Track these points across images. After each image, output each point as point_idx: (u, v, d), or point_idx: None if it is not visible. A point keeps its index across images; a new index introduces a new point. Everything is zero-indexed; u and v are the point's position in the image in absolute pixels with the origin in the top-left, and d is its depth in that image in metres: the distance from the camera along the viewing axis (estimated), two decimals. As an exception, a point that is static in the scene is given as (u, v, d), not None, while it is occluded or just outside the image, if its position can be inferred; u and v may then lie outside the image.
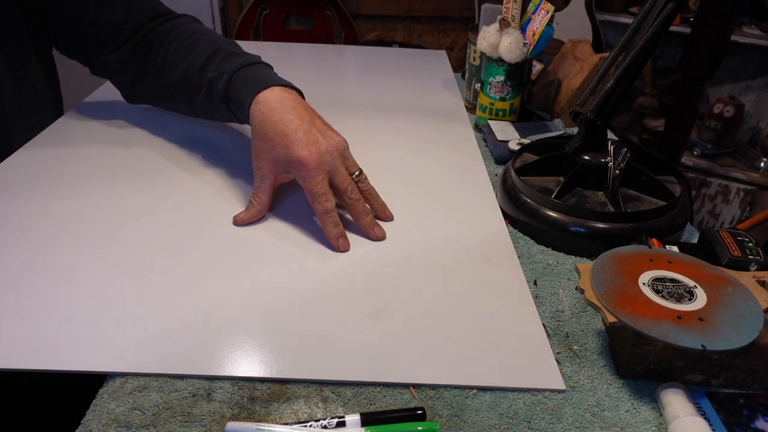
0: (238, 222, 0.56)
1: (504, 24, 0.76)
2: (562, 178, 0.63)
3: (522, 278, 0.52)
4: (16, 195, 0.60)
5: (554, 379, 0.41)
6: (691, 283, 0.42)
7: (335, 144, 0.54)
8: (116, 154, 0.70)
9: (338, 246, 0.54)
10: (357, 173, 0.56)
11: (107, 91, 0.90)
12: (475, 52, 0.87)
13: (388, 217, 0.58)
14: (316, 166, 0.52)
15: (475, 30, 0.86)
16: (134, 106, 0.81)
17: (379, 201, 0.58)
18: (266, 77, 0.59)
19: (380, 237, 0.55)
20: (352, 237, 0.56)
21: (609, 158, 0.59)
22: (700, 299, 0.40)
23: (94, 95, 0.88)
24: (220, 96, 0.61)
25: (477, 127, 0.84)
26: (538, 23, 0.78)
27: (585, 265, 0.44)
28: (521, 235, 0.59)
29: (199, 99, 0.65)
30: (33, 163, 0.67)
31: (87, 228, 0.56)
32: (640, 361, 0.41)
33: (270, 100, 0.56)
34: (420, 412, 0.38)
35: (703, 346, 0.36)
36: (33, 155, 0.69)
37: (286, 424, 0.37)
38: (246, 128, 0.78)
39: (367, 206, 0.57)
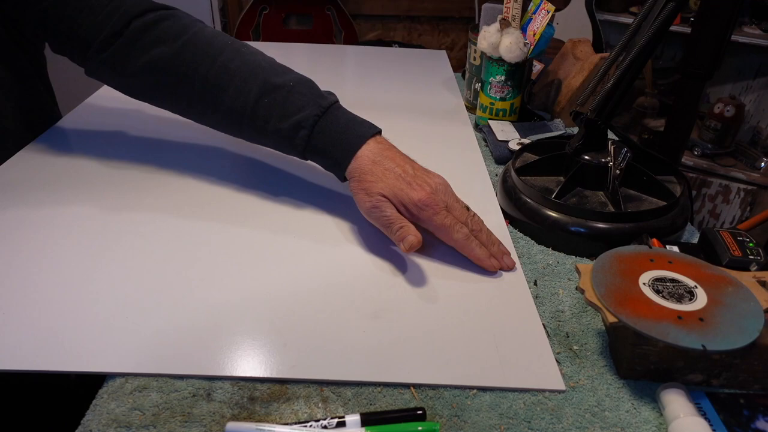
0: (409, 251, 0.52)
1: (504, 24, 0.76)
2: (562, 178, 0.63)
3: (522, 278, 0.52)
4: (17, 196, 0.60)
5: (554, 380, 0.41)
6: (691, 283, 0.42)
7: (441, 182, 0.54)
8: (117, 156, 0.70)
9: (491, 266, 0.52)
10: (467, 208, 0.55)
11: (106, 95, 0.90)
12: (475, 51, 0.87)
13: (511, 263, 0.54)
14: (436, 204, 0.52)
15: (476, 30, 0.86)
16: (133, 106, 0.81)
17: (494, 237, 0.55)
18: (351, 128, 0.56)
19: (511, 266, 0.53)
20: (352, 237, 0.56)
21: (609, 158, 0.59)
22: (701, 299, 0.40)
23: (94, 98, 0.88)
24: (300, 149, 0.57)
25: (477, 127, 0.84)
26: (538, 23, 0.78)
27: (585, 265, 0.44)
28: (521, 235, 0.59)
29: (257, 138, 0.60)
30: (33, 165, 0.67)
31: (87, 229, 0.56)
32: (641, 361, 0.41)
33: (368, 159, 0.55)
34: (420, 412, 0.38)
35: (703, 346, 0.36)
36: (33, 157, 0.69)
37: (286, 424, 0.37)
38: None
39: (491, 237, 0.54)
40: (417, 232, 0.51)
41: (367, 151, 0.55)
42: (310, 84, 0.59)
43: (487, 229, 0.55)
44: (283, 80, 0.58)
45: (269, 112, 0.57)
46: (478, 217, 0.55)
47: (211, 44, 0.60)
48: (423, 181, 0.53)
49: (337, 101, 0.59)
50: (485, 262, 0.52)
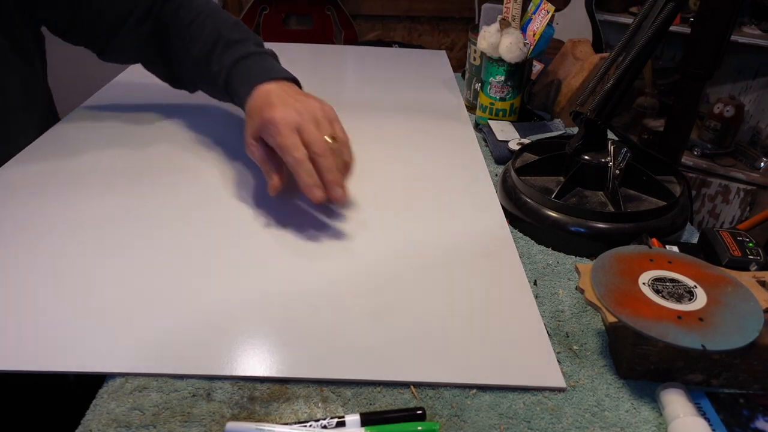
0: (274, 192, 0.56)
1: (504, 24, 0.76)
2: (562, 178, 0.63)
3: (523, 276, 0.52)
4: (17, 196, 0.61)
5: (555, 378, 0.41)
6: (691, 283, 0.42)
7: (309, 107, 0.55)
8: (117, 156, 0.70)
9: (314, 196, 0.51)
10: (331, 139, 0.54)
11: (106, 94, 0.90)
12: (475, 52, 0.87)
13: (341, 194, 0.53)
14: (282, 123, 0.52)
15: (476, 30, 0.86)
16: (133, 106, 0.81)
17: (345, 170, 0.55)
18: (261, 71, 0.61)
19: (338, 197, 0.52)
20: (351, 236, 0.56)
21: (609, 158, 0.59)
22: (700, 299, 0.40)
23: (94, 98, 0.88)
24: (223, 91, 0.65)
25: (477, 127, 0.84)
26: (538, 23, 0.78)
27: (585, 265, 0.44)
28: (521, 235, 0.59)
29: (211, 90, 0.70)
30: (34, 165, 0.67)
31: (87, 229, 0.56)
32: (641, 361, 0.41)
33: (261, 93, 0.58)
34: (420, 412, 0.38)
35: (703, 346, 0.36)
36: (33, 157, 0.69)
37: (286, 424, 0.37)
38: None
39: (334, 165, 0.53)
40: (276, 177, 0.54)
41: (262, 90, 0.58)
42: (257, 42, 0.66)
43: (344, 160, 0.54)
44: (237, 36, 0.65)
45: (213, 60, 0.65)
46: (343, 146, 0.55)
47: (200, 12, 0.70)
48: (287, 103, 0.54)
49: (265, 52, 0.65)
50: (307, 190, 0.51)
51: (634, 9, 1.98)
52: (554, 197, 0.58)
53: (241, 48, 0.64)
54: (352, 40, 2.19)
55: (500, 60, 0.77)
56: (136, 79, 0.94)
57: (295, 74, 0.63)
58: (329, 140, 0.54)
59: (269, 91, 0.57)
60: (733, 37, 1.67)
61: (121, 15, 0.70)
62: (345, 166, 0.55)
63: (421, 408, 0.38)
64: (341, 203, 0.52)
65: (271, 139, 0.54)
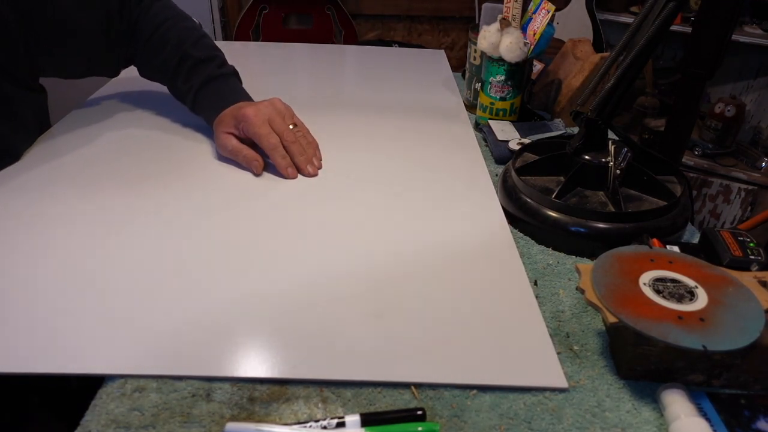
0: (260, 170, 0.67)
1: (504, 23, 0.76)
2: (562, 178, 0.63)
3: (524, 276, 0.52)
4: (16, 196, 0.60)
5: (556, 378, 0.41)
6: (692, 283, 0.42)
7: (271, 103, 0.68)
8: (117, 155, 0.70)
9: (287, 173, 0.65)
10: (293, 126, 0.68)
11: (108, 92, 0.90)
12: (475, 51, 0.87)
13: (312, 170, 0.67)
14: (255, 115, 0.65)
15: (476, 29, 0.86)
16: (135, 105, 0.81)
17: (312, 151, 0.69)
18: (226, 94, 0.71)
19: (312, 173, 0.66)
20: (351, 236, 0.56)
21: (609, 158, 0.59)
22: (701, 299, 0.40)
23: (96, 96, 0.88)
24: (190, 107, 0.75)
25: (477, 127, 0.84)
26: (538, 23, 0.78)
27: (585, 265, 0.44)
28: (521, 235, 0.59)
29: (178, 94, 0.77)
30: (33, 165, 0.67)
31: (86, 230, 0.55)
32: (641, 362, 0.40)
33: (228, 110, 0.70)
34: (420, 412, 0.38)
35: (704, 346, 0.36)
36: (32, 157, 0.69)
37: (286, 424, 0.37)
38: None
39: (303, 149, 0.67)
40: (255, 154, 0.66)
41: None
42: (221, 61, 0.75)
43: (308, 141, 0.69)
44: (203, 55, 0.73)
45: (179, 77, 0.74)
46: (304, 131, 0.70)
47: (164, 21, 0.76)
48: (255, 104, 0.67)
49: (229, 73, 0.74)
50: (282, 170, 0.65)
51: (634, 8, 1.97)
52: (554, 197, 0.58)
53: (207, 69, 0.73)
54: (352, 39, 2.19)
55: (500, 60, 0.77)
56: (128, 82, 0.94)
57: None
58: (291, 127, 0.68)
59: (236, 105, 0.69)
60: (734, 37, 1.67)
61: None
62: (310, 145, 0.69)
63: (421, 408, 0.38)
64: (314, 175, 0.66)
65: (248, 130, 0.65)
